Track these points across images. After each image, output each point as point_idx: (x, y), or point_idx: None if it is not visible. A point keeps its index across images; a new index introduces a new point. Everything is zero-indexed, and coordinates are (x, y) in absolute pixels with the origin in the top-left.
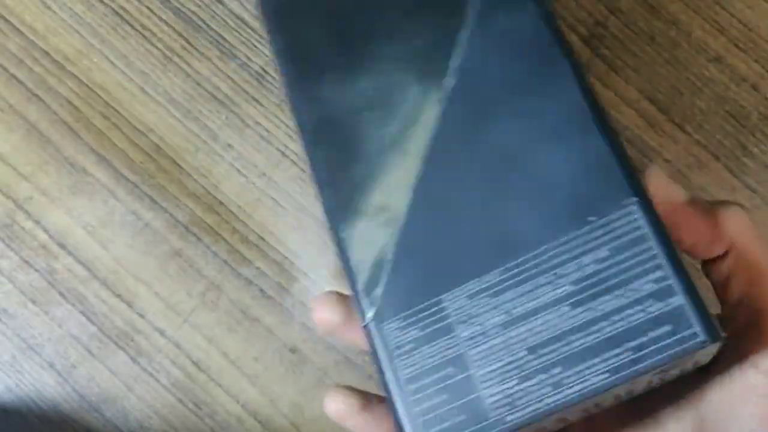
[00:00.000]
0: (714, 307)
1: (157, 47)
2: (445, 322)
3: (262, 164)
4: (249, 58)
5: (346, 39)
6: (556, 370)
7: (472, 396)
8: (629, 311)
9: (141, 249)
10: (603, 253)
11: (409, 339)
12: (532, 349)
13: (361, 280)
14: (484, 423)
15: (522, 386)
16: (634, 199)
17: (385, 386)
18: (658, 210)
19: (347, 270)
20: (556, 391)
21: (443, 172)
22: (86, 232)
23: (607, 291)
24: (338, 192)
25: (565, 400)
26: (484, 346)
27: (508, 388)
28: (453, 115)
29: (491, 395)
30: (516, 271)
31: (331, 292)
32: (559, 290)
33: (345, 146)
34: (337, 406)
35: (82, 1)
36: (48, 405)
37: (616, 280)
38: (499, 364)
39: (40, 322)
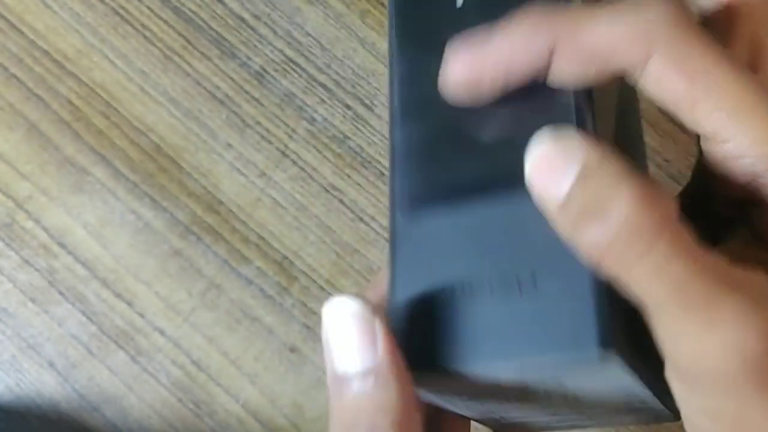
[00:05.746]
0: None
1: (157, 47)
2: None
3: (262, 164)
4: (249, 58)
5: None
6: None
7: None
8: None
9: (141, 248)
10: None
11: None
12: None
13: None
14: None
15: None
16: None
17: None
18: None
19: None
20: None
21: None
22: (86, 231)
23: None
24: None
25: None
26: None
27: None
28: None
29: None
30: None
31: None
32: None
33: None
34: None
35: (82, 0)
36: (48, 404)
37: None
38: None
39: (40, 321)
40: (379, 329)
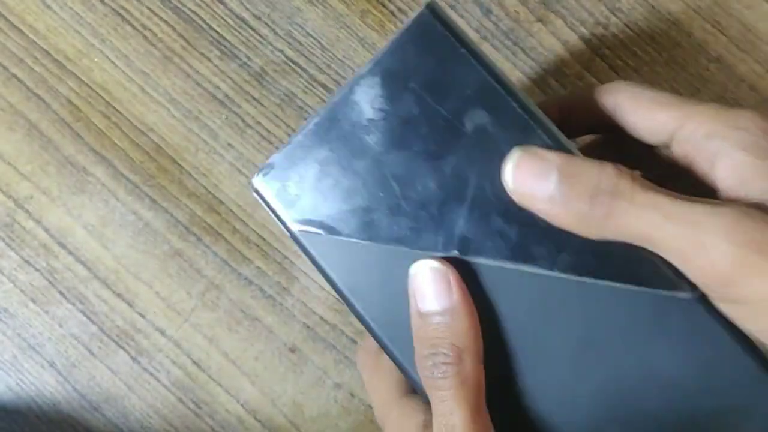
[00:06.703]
0: None
1: (157, 47)
2: None
3: (263, 164)
4: (249, 58)
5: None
6: None
7: None
8: None
9: (141, 249)
10: None
11: None
12: None
13: None
14: None
15: None
16: None
17: None
18: None
19: None
20: None
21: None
22: (87, 231)
23: None
24: None
25: None
26: None
27: None
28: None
29: None
30: None
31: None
32: None
33: None
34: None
35: (82, 1)
36: (48, 404)
37: None
38: None
39: (41, 321)
40: (453, 277)
